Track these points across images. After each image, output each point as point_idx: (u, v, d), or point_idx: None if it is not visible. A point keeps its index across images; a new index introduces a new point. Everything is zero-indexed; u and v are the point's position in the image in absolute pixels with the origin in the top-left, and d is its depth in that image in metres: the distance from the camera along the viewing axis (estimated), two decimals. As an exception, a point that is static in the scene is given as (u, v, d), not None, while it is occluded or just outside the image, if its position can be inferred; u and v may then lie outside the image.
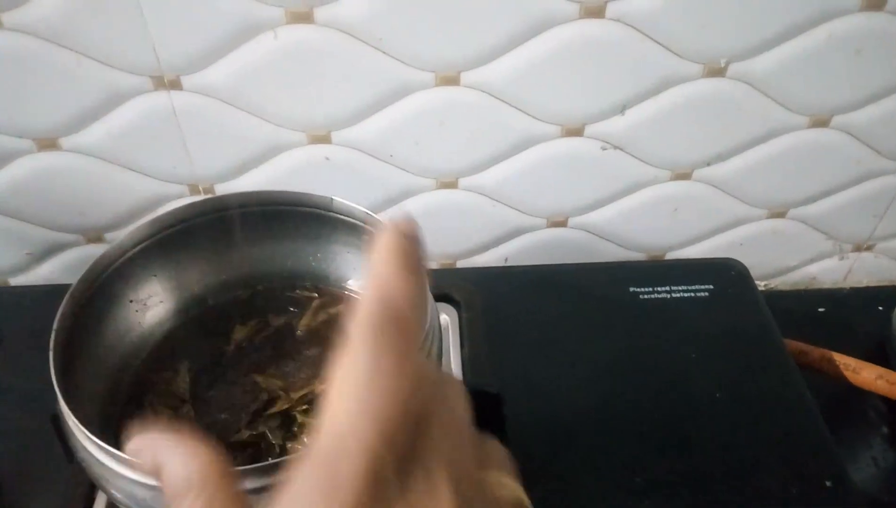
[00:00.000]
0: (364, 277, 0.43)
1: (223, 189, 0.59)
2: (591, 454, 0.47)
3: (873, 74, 0.55)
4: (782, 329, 0.55)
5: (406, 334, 0.19)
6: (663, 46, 0.52)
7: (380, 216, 0.61)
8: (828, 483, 0.45)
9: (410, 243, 0.20)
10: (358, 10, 0.48)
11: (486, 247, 0.66)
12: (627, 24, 0.50)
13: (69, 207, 0.59)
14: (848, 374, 0.56)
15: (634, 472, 0.46)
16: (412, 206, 0.61)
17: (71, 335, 0.36)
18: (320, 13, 0.49)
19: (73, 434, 0.33)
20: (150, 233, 0.42)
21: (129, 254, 0.41)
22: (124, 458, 0.30)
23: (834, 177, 0.62)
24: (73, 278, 0.38)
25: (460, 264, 0.67)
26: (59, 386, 0.32)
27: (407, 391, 0.18)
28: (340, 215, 0.43)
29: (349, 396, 0.18)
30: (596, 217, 0.64)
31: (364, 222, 0.42)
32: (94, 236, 0.62)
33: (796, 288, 0.72)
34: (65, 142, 0.55)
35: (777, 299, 0.70)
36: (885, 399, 0.58)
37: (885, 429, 0.59)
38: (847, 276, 0.72)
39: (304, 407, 0.40)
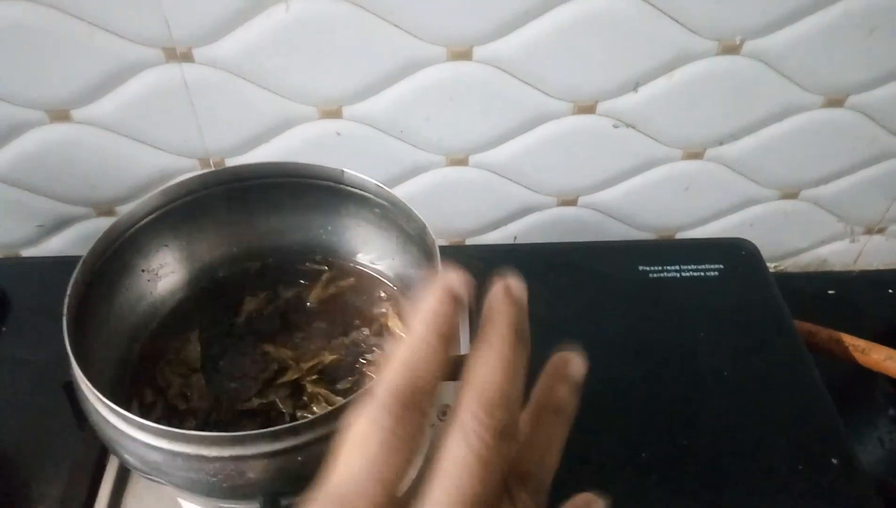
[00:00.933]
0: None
1: (233, 163, 0.59)
2: (599, 430, 0.47)
3: (888, 54, 0.54)
4: (792, 311, 0.55)
5: (423, 410, 0.20)
6: (678, 22, 0.51)
7: (394, 191, 0.61)
8: (834, 461, 0.45)
9: (453, 308, 0.21)
10: (370, -17, 0.48)
11: (495, 225, 0.66)
12: None
13: (80, 179, 0.59)
14: (856, 355, 0.56)
15: (641, 448, 0.46)
16: (422, 182, 0.61)
17: (83, 302, 0.37)
18: (332, -15, 0.48)
19: (86, 398, 0.33)
20: (162, 203, 0.42)
21: (141, 223, 0.41)
22: (136, 421, 0.31)
23: (847, 158, 0.62)
24: (83, 251, 0.38)
25: (469, 241, 0.67)
26: (71, 351, 0.33)
27: (410, 465, 0.20)
28: (351, 187, 0.43)
29: (361, 462, 0.19)
30: (606, 196, 0.64)
31: (375, 195, 0.42)
32: (105, 210, 0.62)
33: (807, 270, 0.72)
34: (76, 114, 0.55)
35: (787, 280, 0.70)
36: (894, 381, 0.57)
37: (892, 411, 0.59)
38: (858, 259, 0.72)
39: (314, 377, 0.40)
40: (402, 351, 0.21)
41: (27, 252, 0.65)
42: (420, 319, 0.21)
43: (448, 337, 0.21)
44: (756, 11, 0.51)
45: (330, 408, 0.31)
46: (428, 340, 0.21)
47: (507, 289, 0.22)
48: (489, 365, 0.21)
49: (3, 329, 0.53)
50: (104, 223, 0.62)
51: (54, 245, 0.64)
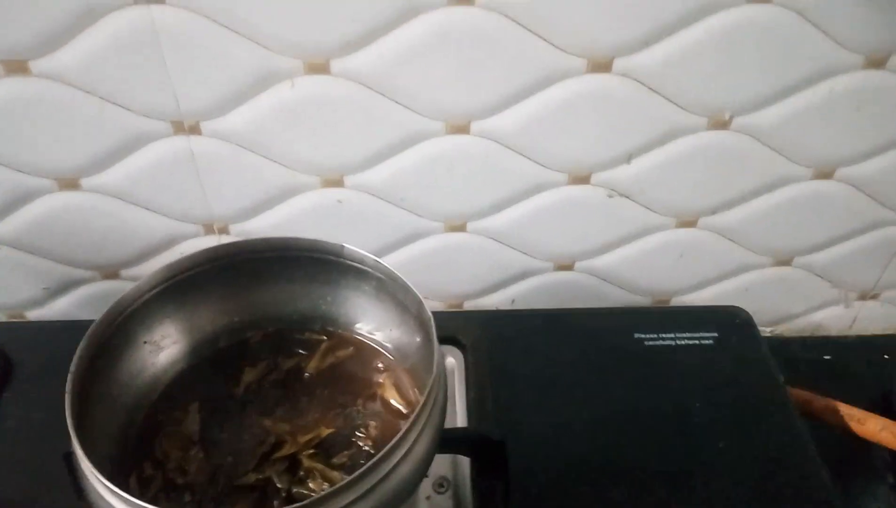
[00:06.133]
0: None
1: (238, 229, 0.61)
2: (594, 500, 0.47)
3: (875, 129, 0.56)
4: (787, 376, 0.55)
5: None
6: (668, 100, 0.53)
7: (394, 255, 0.62)
8: (830, 537, 0.45)
9: None
10: (372, 62, 0.50)
11: (493, 289, 0.67)
12: (633, 79, 0.52)
13: (87, 244, 0.60)
14: (852, 424, 0.56)
15: (637, 520, 0.46)
16: (421, 247, 0.62)
17: (87, 374, 0.37)
18: (336, 64, 0.50)
19: (86, 477, 0.33)
20: (167, 277, 0.43)
21: (146, 297, 0.42)
22: (131, 501, 0.31)
23: (838, 227, 0.63)
24: (88, 314, 0.39)
25: (467, 304, 0.68)
26: (74, 429, 0.33)
27: None
28: (351, 261, 0.44)
29: None
30: (602, 261, 0.65)
31: (373, 269, 0.43)
32: (111, 273, 0.63)
33: (802, 335, 0.72)
34: (85, 182, 0.56)
35: (783, 345, 0.70)
36: (892, 450, 0.57)
37: (890, 479, 0.59)
38: (853, 324, 0.72)
39: (311, 451, 0.40)
40: None
41: (33, 314, 0.66)
42: None
43: None
44: (743, 89, 0.53)
45: (315, 496, 0.31)
46: None
47: None
48: None
49: (6, 393, 0.54)
50: (109, 286, 0.64)
51: (60, 307, 0.65)
